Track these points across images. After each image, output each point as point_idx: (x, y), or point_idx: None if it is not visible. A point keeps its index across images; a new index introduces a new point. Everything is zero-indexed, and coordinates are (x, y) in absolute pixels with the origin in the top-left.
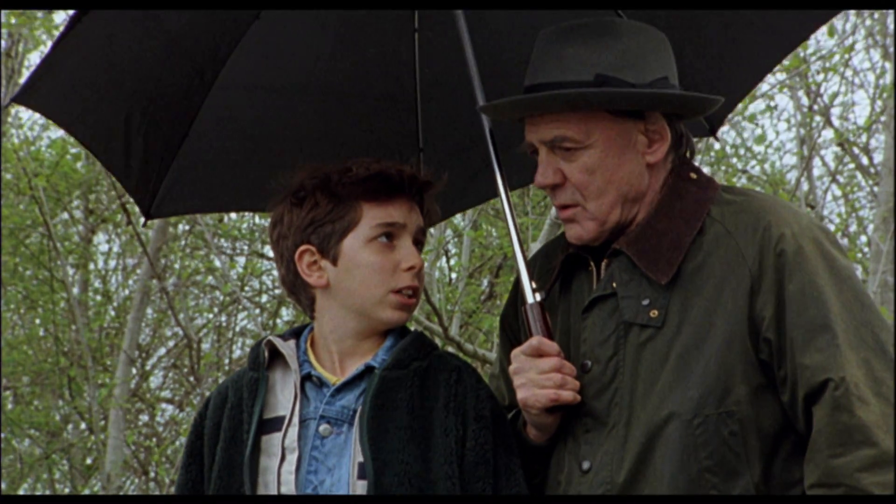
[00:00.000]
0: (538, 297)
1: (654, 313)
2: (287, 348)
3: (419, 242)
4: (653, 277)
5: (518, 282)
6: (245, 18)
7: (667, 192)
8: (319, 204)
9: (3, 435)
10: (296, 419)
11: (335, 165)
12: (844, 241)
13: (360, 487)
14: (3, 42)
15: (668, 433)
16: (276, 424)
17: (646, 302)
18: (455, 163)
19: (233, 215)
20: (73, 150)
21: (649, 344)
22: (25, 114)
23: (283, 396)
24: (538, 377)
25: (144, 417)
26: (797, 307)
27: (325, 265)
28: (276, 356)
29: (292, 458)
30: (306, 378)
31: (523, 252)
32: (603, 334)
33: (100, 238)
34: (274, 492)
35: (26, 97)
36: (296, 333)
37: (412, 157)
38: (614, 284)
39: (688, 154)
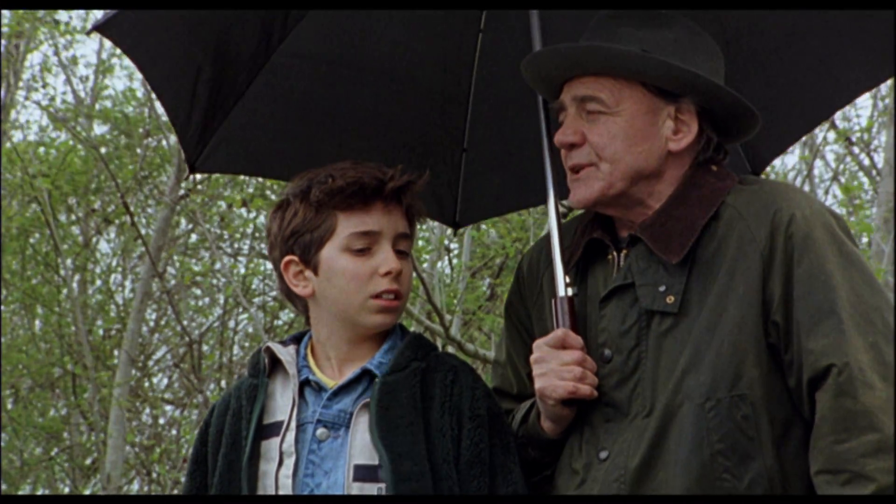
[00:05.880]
0: (570, 291)
1: (670, 299)
2: (286, 354)
3: (402, 243)
4: (664, 258)
5: (520, 269)
6: None
7: (685, 181)
8: (298, 214)
9: (3, 435)
10: (293, 423)
11: (318, 173)
12: None
13: (356, 489)
14: (3, 42)
15: (681, 417)
16: (274, 429)
17: (662, 288)
18: (498, 166)
19: (235, 218)
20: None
21: (671, 332)
22: (24, 116)
23: (283, 402)
24: (559, 368)
25: (145, 417)
26: (804, 290)
27: (309, 275)
28: (277, 362)
29: (290, 463)
30: (305, 383)
31: (561, 245)
32: (625, 325)
33: (101, 237)
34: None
35: (108, 27)
36: (297, 339)
37: (437, 158)
38: (633, 273)
39: (719, 158)
